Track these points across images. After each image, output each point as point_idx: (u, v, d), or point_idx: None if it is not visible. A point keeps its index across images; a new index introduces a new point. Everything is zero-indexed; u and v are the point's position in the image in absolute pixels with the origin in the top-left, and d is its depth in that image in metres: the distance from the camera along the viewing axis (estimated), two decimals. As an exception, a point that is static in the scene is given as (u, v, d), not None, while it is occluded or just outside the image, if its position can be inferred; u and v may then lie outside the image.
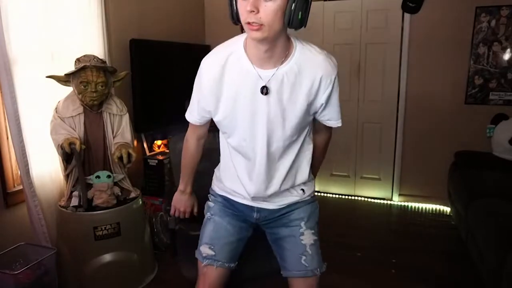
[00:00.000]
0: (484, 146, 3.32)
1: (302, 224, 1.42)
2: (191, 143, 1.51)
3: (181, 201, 1.63)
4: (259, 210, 1.43)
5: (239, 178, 1.39)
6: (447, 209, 3.56)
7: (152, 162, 3.00)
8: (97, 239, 2.19)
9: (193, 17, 4.02)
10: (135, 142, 2.96)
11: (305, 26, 1.15)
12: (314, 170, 1.52)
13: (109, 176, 2.29)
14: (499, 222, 2.19)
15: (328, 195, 4.07)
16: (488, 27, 3.32)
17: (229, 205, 1.49)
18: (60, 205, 2.26)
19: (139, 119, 3.04)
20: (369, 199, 3.95)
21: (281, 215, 1.45)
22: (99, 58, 2.28)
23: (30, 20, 2.16)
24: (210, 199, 1.55)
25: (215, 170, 1.56)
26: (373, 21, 3.67)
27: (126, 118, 2.42)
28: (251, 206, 1.43)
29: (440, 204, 3.67)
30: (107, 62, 2.50)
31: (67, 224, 2.22)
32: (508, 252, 1.88)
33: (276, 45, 1.16)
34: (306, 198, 1.46)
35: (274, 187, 1.37)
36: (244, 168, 1.36)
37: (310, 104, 1.26)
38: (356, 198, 4.01)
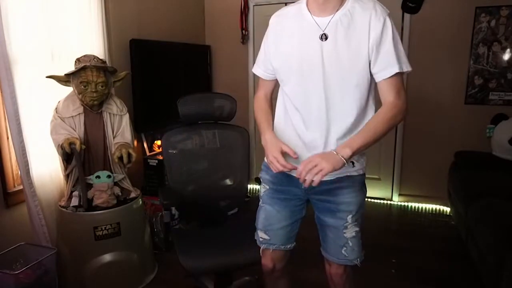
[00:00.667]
0: (484, 146, 3.32)
1: (349, 218, 1.43)
2: (259, 97, 1.58)
3: (272, 144, 1.40)
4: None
5: (296, 129, 1.42)
6: (447, 209, 3.56)
7: (152, 162, 3.00)
8: (97, 239, 2.19)
9: (193, 17, 4.02)
10: (135, 142, 2.96)
11: None
12: (377, 118, 1.33)
13: (109, 176, 2.29)
14: (499, 222, 2.19)
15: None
16: (488, 27, 3.32)
17: (279, 182, 1.50)
18: (60, 205, 2.26)
19: (139, 119, 3.04)
20: (369, 199, 3.95)
21: (330, 190, 1.43)
22: (99, 58, 2.28)
23: (30, 20, 2.16)
24: (261, 179, 1.59)
25: None
26: (373, 21, 3.66)
27: (126, 118, 2.42)
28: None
29: (440, 204, 3.67)
30: (107, 62, 2.50)
31: (67, 224, 2.22)
32: (508, 252, 1.88)
33: None
34: (353, 174, 1.44)
35: (331, 138, 1.37)
36: (300, 117, 1.40)
37: (367, 49, 1.28)
38: (356, 198, 4.01)
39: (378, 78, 1.33)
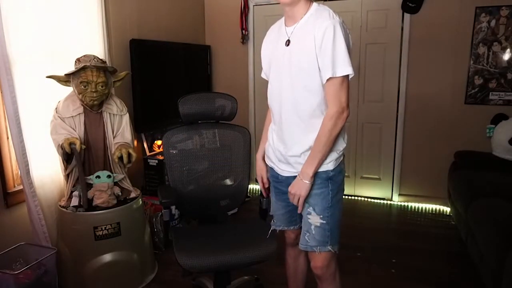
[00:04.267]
0: (484, 146, 3.33)
1: (310, 209, 1.61)
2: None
3: (257, 168, 1.89)
4: (280, 174, 1.71)
5: (272, 124, 1.74)
6: (447, 209, 3.56)
7: (152, 162, 3.00)
8: (97, 239, 2.19)
9: (193, 17, 4.02)
10: (135, 142, 2.96)
11: None
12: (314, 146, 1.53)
13: (109, 176, 2.29)
14: (499, 222, 2.19)
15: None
16: (488, 27, 3.32)
17: (273, 179, 1.79)
18: (60, 205, 2.26)
19: (139, 119, 3.04)
20: (369, 199, 3.96)
21: None
22: (99, 58, 2.28)
23: (30, 20, 2.17)
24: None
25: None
26: (373, 21, 3.67)
27: (126, 118, 2.42)
28: (278, 172, 1.72)
29: (440, 204, 3.67)
30: (107, 62, 2.50)
31: (67, 224, 2.22)
32: (508, 252, 1.88)
33: (296, 6, 1.51)
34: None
35: (287, 133, 1.61)
36: (271, 112, 1.71)
37: (314, 53, 1.45)
38: (356, 198, 4.01)
39: (320, 76, 1.47)
